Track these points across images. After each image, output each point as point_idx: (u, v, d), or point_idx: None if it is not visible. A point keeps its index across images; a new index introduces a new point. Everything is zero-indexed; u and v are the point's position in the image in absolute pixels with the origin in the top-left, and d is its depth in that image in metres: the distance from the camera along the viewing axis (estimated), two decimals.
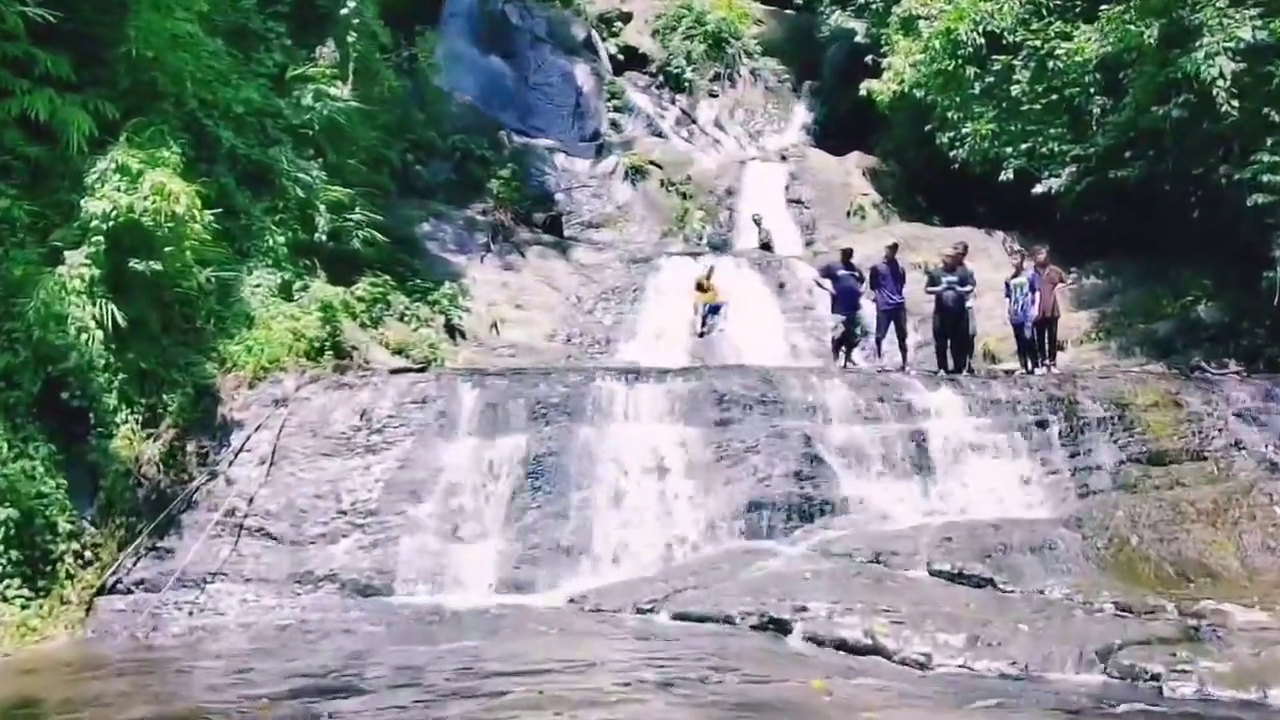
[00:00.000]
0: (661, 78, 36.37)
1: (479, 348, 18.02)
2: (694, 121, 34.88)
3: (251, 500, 11.89)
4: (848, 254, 15.89)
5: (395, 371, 13.70)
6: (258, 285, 15.44)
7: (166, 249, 12.68)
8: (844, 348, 15.64)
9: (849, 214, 26.76)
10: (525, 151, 27.45)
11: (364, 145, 19.67)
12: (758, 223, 24.21)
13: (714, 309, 19.34)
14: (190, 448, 12.32)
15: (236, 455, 12.28)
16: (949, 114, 22.69)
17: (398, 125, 23.05)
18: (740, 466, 12.72)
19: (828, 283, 15.75)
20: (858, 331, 15.63)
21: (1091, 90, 20.33)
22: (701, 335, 18.98)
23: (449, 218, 21.85)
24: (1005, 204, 22.61)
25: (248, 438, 12.44)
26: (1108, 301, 19.94)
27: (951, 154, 22.62)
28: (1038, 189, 20.91)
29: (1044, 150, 21.19)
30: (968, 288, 15.19)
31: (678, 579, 10.92)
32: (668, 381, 13.69)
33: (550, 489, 12.26)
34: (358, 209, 17.71)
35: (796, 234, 25.95)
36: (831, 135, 32.63)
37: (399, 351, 16.84)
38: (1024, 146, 21.41)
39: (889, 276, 15.31)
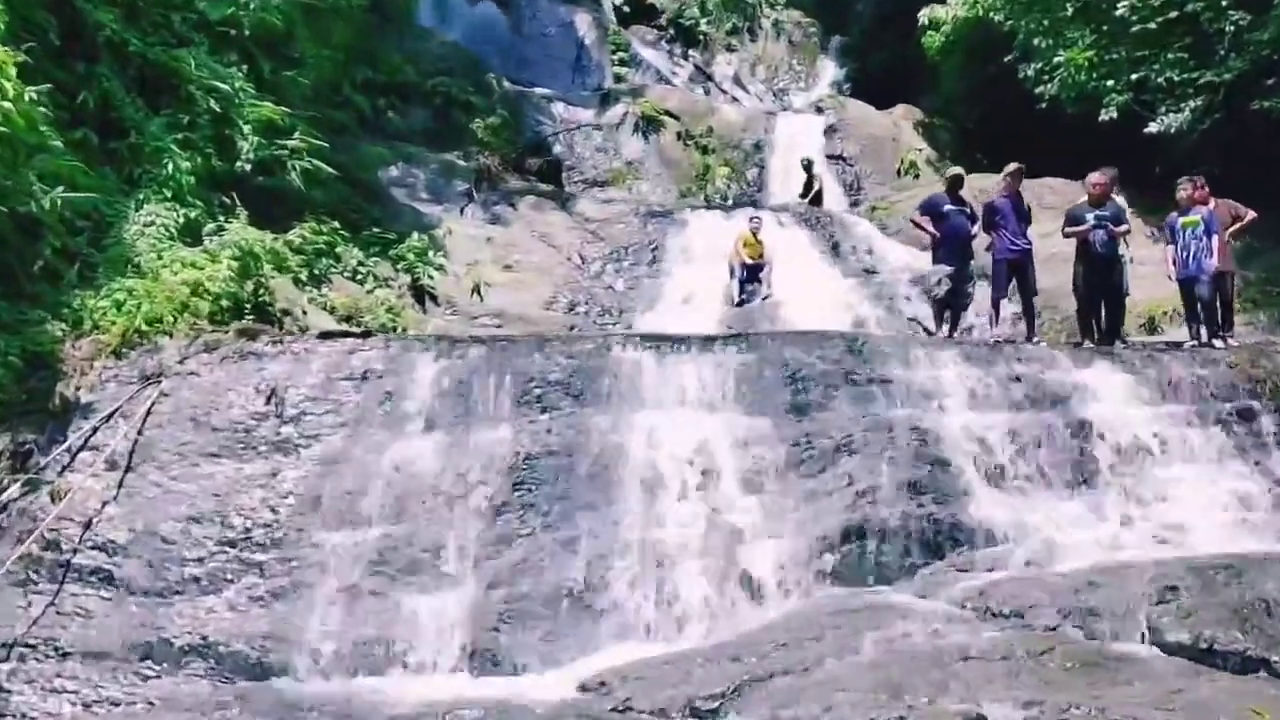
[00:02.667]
0: (672, 31, 32.31)
1: (454, 315, 13.89)
2: (710, 79, 30.80)
3: (90, 524, 7.75)
4: (956, 183, 11.73)
5: (326, 336, 9.55)
6: (149, 223, 11.29)
7: None
8: (949, 310, 11.50)
9: (899, 171, 22.73)
10: (518, 98, 23.31)
11: (310, 62, 15.49)
12: (808, 168, 20.06)
13: (752, 271, 15.20)
14: (3, 441, 8.17)
15: (74, 455, 8.14)
16: (1035, 41, 18.57)
17: (362, 53, 18.88)
18: (829, 474, 8.63)
19: (927, 222, 11.58)
20: (969, 288, 11.48)
21: (1223, 2, 16.21)
22: (740, 304, 14.84)
23: (422, 161, 17.67)
24: (1082, 154, 18.54)
25: (94, 430, 8.29)
26: (1247, 266, 15.80)
27: (1039, 90, 18.48)
28: (1151, 128, 16.85)
29: (1158, 81, 17.09)
30: (1123, 227, 11.06)
31: (752, 655, 6.79)
32: (716, 351, 9.59)
33: (548, 507, 8.15)
34: (298, 134, 13.54)
35: (839, 194, 21.85)
36: (864, 94, 28.62)
37: (348, 318, 12.67)
38: (1132, 77, 17.30)
39: (1010, 214, 11.18)
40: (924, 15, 21.60)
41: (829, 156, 22.44)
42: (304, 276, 12.70)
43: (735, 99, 29.73)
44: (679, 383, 9.13)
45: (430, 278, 14.11)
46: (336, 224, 13.61)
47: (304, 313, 12.20)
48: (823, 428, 8.96)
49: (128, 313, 9.66)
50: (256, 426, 8.45)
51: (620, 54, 30.06)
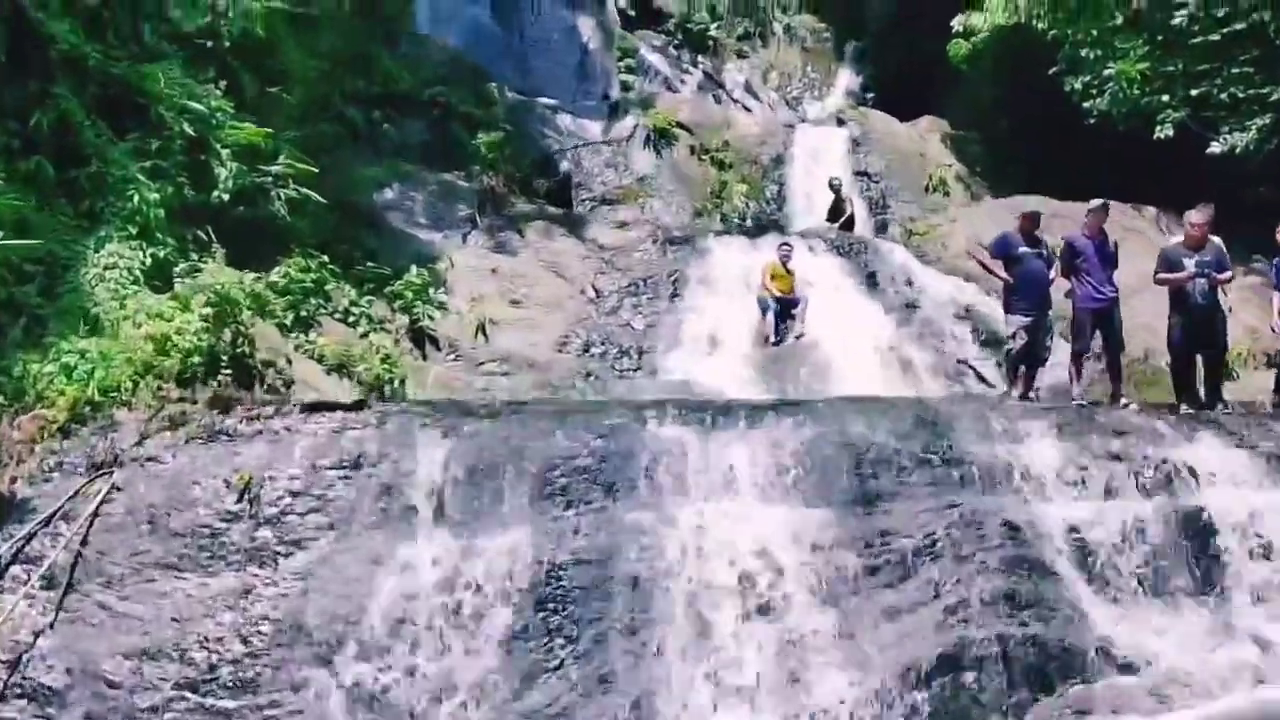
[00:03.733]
0: (680, 36, 30.86)
1: (457, 361, 12.45)
2: (721, 86, 29.29)
3: (19, 664, 6.32)
4: (1031, 221, 10.30)
5: (310, 409, 8.10)
6: (110, 265, 9.89)
7: None
8: (1024, 367, 10.09)
9: (928, 188, 21.27)
10: (522, 110, 21.82)
11: (299, 76, 14.07)
12: (836, 189, 18.63)
13: (785, 306, 13.79)
14: None
15: (3, 571, 6.70)
16: (1082, 52, 17.18)
17: (353, 60, 17.44)
18: (911, 584, 7.24)
19: (999, 266, 10.17)
20: (1047, 342, 10.06)
21: None
22: (775, 344, 13.42)
23: (420, 182, 16.19)
24: (1126, 173, 17.17)
25: (29, 537, 6.85)
26: None
27: (1086, 104, 17.12)
28: (1214, 148, 15.51)
29: (1220, 97, 15.74)
30: (1225, 274, 9.67)
31: None
32: (767, 424, 8.18)
33: (578, 633, 6.76)
34: (282, 159, 12.10)
35: (864, 212, 20.40)
36: (881, 104, 27.23)
37: (339, 367, 11.25)
38: (1191, 93, 15.95)
39: (1094, 257, 9.78)
40: (958, 22, 20.19)
41: (854, 172, 20.99)
42: (289, 321, 11.28)
43: (747, 108, 28.30)
44: (727, 467, 7.72)
45: (430, 318, 12.68)
46: (326, 258, 12.17)
47: (289, 363, 10.77)
48: (899, 523, 7.56)
49: (79, 381, 8.24)
50: (226, 530, 7.03)
51: (627, 60, 28.66)
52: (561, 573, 6.93)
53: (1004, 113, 21.95)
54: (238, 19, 12.12)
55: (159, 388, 8.68)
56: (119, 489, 7.21)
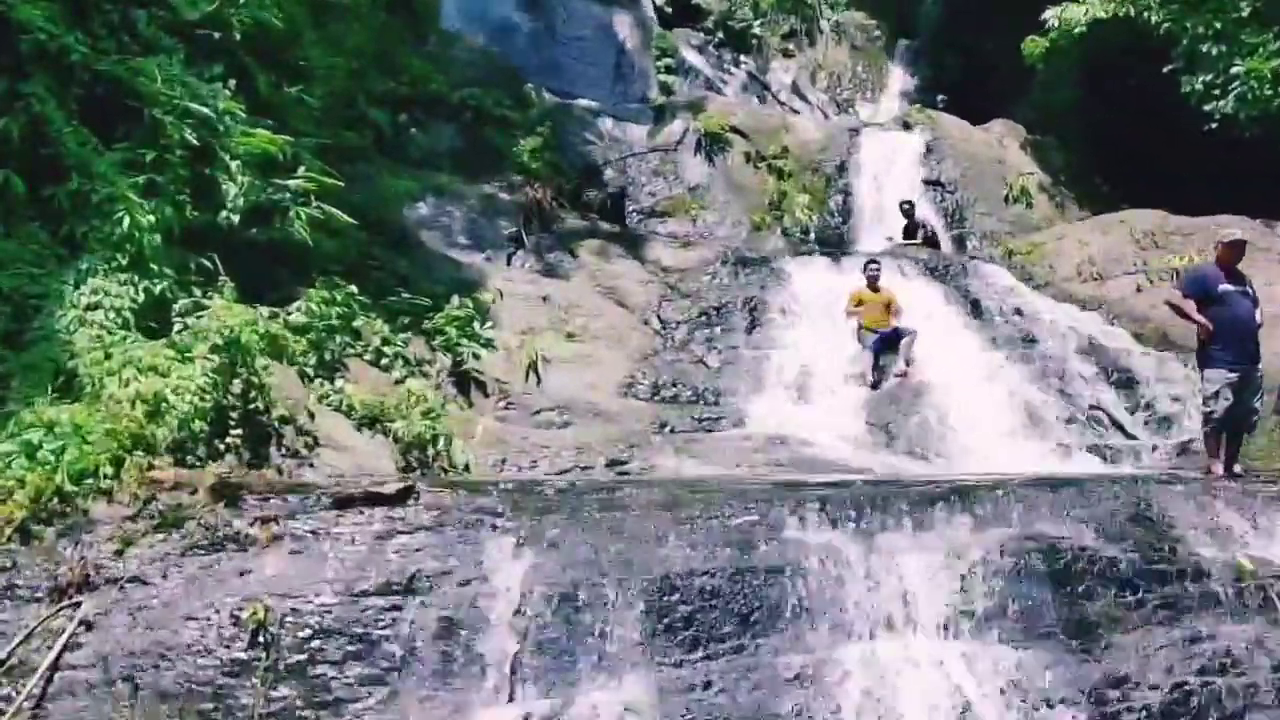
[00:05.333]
0: (721, 34, 28.95)
1: (508, 409, 10.51)
2: (766, 87, 27.42)
3: None
4: (1234, 252, 8.26)
5: (341, 504, 6.16)
6: (93, 305, 8.03)
7: None
8: (1225, 432, 8.08)
9: (1008, 199, 19.30)
10: (559, 113, 19.87)
11: (321, 74, 12.18)
12: (908, 213, 16.73)
13: (886, 341, 11.83)
14: None
15: None
16: (1202, 48, 15.19)
17: (381, 60, 15.58)
18: None
19: (1192, 307, 8.15)
20: (1256, 402, 8.05)
21: None
22: (875, 386, 11.44)
23: (458, 195, 14.28)
24: (1238, 183, 15.17)
25: None
26: None
27: (1207, 106, 15.11)
28: None
29: None
30: None
31: None
32: (937, 523, 6.24)
33: None
34: (302, 170, 10.21)
35: (939, 226, 18.44)
36: (938, 107, 25.32)
37: (371, 422, 9.35)
38: None
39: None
40: (1052, 15, 18.18)
41: (924, 182, 19.04)
42: (311, 364, 9.39)
43: (795, 110, 26.39)
44: (900, 589, 5.78)
45: (476, 358, 10.76)
46: (353, 288, 10.29)
47: (311, 418, 8.91)
48: (1133, 666, 5.63)
49: (44, 464, 6.34)
50: (234, 690, 5.12)
51: (665, 60, 26.79)
52: None
53: (1086, 116, 20.02)
54: (251, 6, 10.25)
55: (149, 466, 6.78)
56: (88, 625, 5.30)
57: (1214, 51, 15.02)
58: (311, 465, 8.50)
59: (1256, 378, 8.04)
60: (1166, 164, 16.47)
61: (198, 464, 7.35)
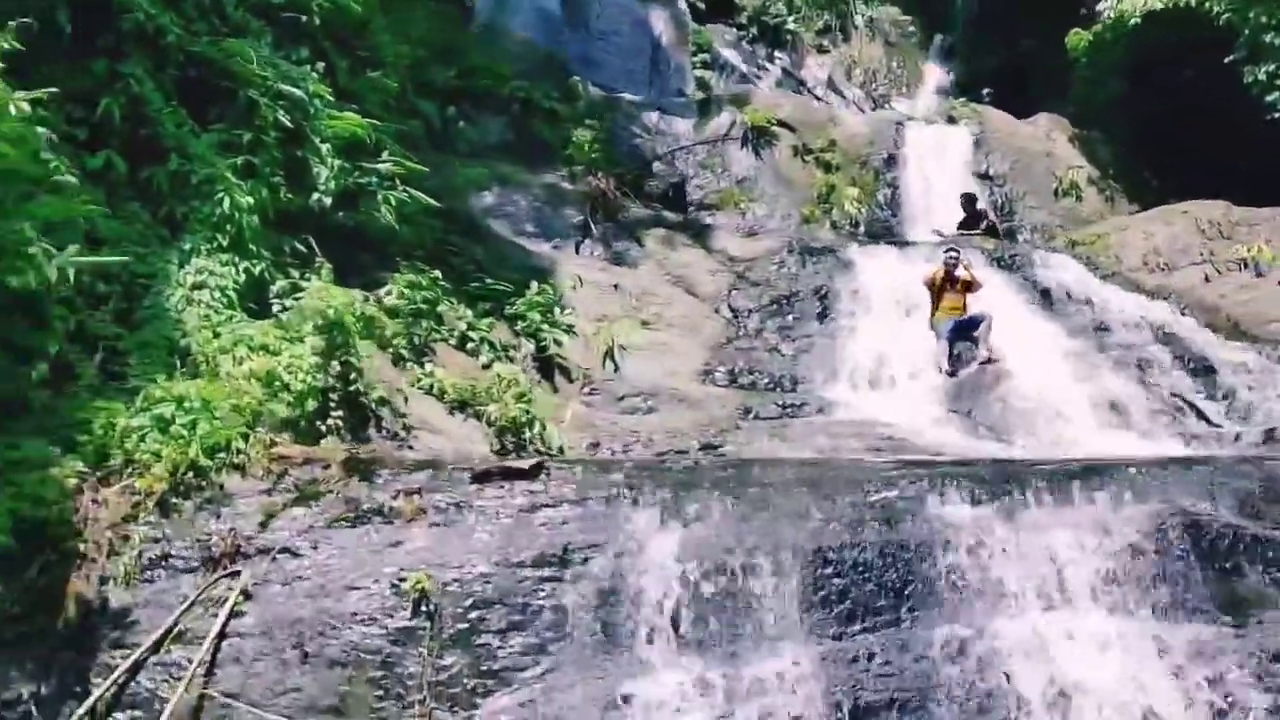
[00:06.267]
0: (755, 30, 28.90)
1: (593, 395, 10.48)
2: (801, 83, 27.34)
3: None
4: None
5: (478, 479, 6.12)
6: (199, 284, 8.01)
7: None
8: None
9: (1057, 192, 19.24)
10: (606, 106, 19.83)
11: (392, 62, 12.14)
12: (969, 204, 16.67)
13: (961, 328, 11.76)
14: None
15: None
16: (1265, 38, 15.13)
17: (443, 52, 15.56)
18: None
19: None
20: None
21: None
22: (953, 373, 11.39)
23: (522, 185, 14.26)
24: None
25: (134, 669, 4.91)
26: None
27: (1270, 97, 15.05)
28: None
29: None
30: None
31: None
32: (1076, 499, 6.18)
33: None
34: (385, 154, 10.19)
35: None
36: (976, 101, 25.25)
37: (461, 405, 9.31)
38: None
39: None
40: (1107, 6, 18.11)
41: (976, 175, 18.99)
42: (403, 349, 9.36)
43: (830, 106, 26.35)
44: (1050, 563, 5.72)
45: (558, 344, 10.72)
46: (437, 274, 10.25)
47: (405, 400, 8.87)
48: None
49: (177, 438, 6.30)
50: (401, 657, 5.08)
51: (701, 55, 26.75)
52: (871, 718, 4.95)
53: (1132, 109, 19.93)
54: None
55: (271, 443, 6.76)
56: (246, 595, 5.27)
57: (1277, 42, 14.94)
58: (410, 447, 8.45)
59: None
60: (1219, 156, 16.40)
61: (307, 443, 7.34)
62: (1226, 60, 15.55)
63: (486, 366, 9.94)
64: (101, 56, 8.35)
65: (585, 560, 5.50)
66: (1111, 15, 17.84)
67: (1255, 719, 5.24)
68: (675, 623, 5.33)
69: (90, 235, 7.50)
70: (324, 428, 7.88)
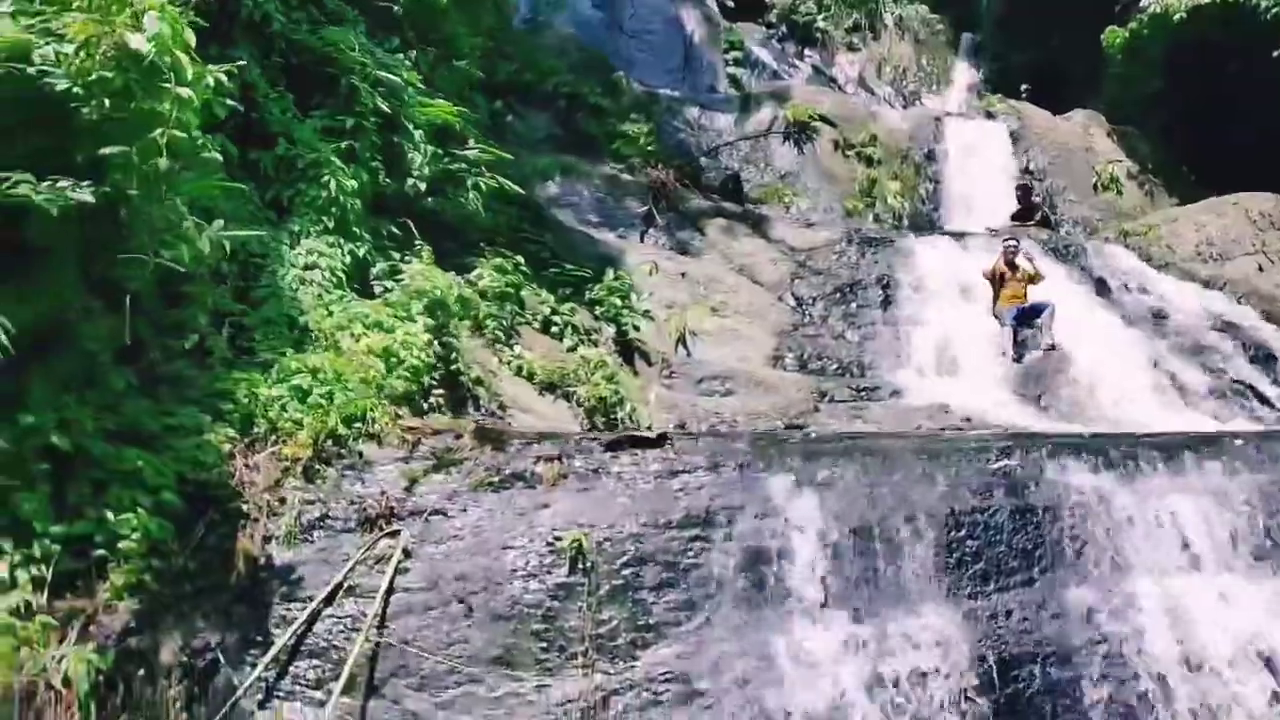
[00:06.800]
0: (784, 28, 29.13)
1: (672, 378, 10.70)
2: (832, 80, 27.55)
3: None
4: None
5: (611, 447, 6.33)
6: (310, 265, 8.22)
7: (127, 152, 5.42)
8: None
9: (1097, 187, 19.47)
10: (649, 102, 20.12)
11: (464, 53, 12.36)
12: (1024, 194, 16.89)
13: (1025, 315, 11.97)
14: (170, 646, 5.00)
15: (285, 668, 4.98)
16: None
17: (505, 45, 15.79)
18: None
19: None
20: None
21: None
22: (1018, 359, 11.61)
23: (584, 175, 14.51)
24: None
25: (311, 620, 5.13)
26: None
27: None
28: None
29: None
30: None
31: None
32: (1190, 468, 6.37)
33: None
34: (471, 142, 10.41)
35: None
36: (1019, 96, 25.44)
37: (550, 387, 9.54)
38: None
39: None
40: (1150, 4, 18.30)
41: (1019, 170, 19.21)
42: (495, 331, 9.57)
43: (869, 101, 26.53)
44: (1173, 527, 5.91)
45: (637, 329, 10.93)
46: (519, 258, 10.47)
47: (499, 381, 9.09)
48: None
49: (316, 406, 6.52)
50: (561, 611, 5.28)
51: (733, 53, 26.99)
52: (1017, 672, 5.15)
53: (1170, 104, 20.12)
54: None
55: (396, 415, 6.98)
56: (407, 553, 5.48)
57: None
58: (508, 425, 8.67)
59: None
60: (1260, 150, 16.59)
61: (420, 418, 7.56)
62: (1275, 54, 15.74)
63: (571, 350, 10.15)
64: (212, 43, 8.58)
65: (730, 523, 5.70)
66: (1157, 10, 17.95)
67: None
68: (820, 582, 5.52)
69: (208, 215, 7.73)
70: (426, 405, 8.12)
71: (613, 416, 9.30)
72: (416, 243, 9.08)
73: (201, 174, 6.86)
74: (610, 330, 10.74)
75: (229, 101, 6.44)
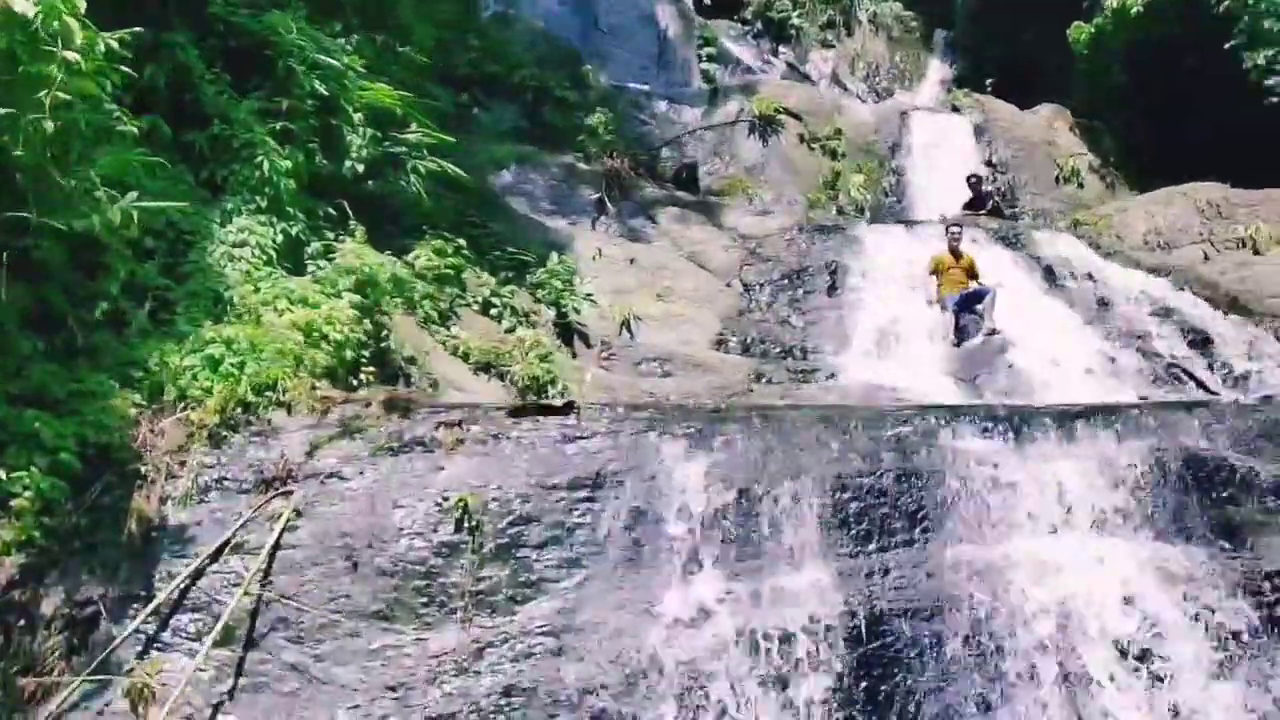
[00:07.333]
0: (760, 25, 29.28)
1: (611, 359, 10.85)
2: (806, 77, 27.66)
3: None
4: None
5: (515, 414, 6.49)
6: (239, 242, 8.34)
7: (13, 114, 5.55)
8: None
9: (1059, 180, 19.65)
10: (616, 95, 20.27)
11: (420, 43, 12.47)
12: (975, 185, 17.01)
13: (967, 301, 12.11)
14: (53, 599, 5.14)
15: (165, 621, 5.12)
16: (1264, 24, 15.49)
17: (462, 35, 15.93)
18: None
19: None
20: None
21: None
22: (958, 344, 11.75)
23: (540, 163, 14.65)
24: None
25: (195, 575, 5.27)
26: None
27: (1270, 82, 15.40)
28: None
29: None
30: None
31: None
32: (1082, 436, 6.53)
33: (914, 706, 5.10)
34: (414, 126, 10.55)
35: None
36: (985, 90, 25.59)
37: (485, 367, 9.68)
38: None
39: None
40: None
41: (981, 162, 19.35)
42: (430, 312, 9.71)
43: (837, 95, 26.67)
44: (1057, 491, 6.06)
45: (576, 311, 11.07)
46: (461, 242, 10.59)
47: (432, 360, 9.22)
48: None
49: (227, 375, 6.66)
50: (444, 569, 5.43)
51: (707, 49, 27.12)
52: (884, 627, 5.30)
53: (1133, 98, 20.27)
54: None
55: (313, 387, 7.11)
56: (298, 512, 5.62)
57: (1276, 28, 15.30)
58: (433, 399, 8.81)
59: None
60: (1219, 142, 16.73)
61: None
62: (1226, 47, 15.90)
63: (509, 331, 10.29)
64: (147, 25, 8.71)
65: (619, 483, 5.84)
66: (1118, 5, 18.13)
67: (1247, 629, 5.59)
68: (702, 542, 5.66)
69: (140, 193, 7.87)
70: (356, 382, 8.24)
71: (545, 395, 9.42)
72: (351, 223, 9.21)
73: (120, 148, 7.02)
74: (550, 313, 10.88)
75: (124, 69, 6.48)
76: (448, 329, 9.84)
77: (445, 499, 5.64)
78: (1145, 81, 19.37)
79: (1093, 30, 21.04)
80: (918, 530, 5.81)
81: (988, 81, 22.77)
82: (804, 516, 5.80)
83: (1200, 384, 11.54)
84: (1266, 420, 6.94)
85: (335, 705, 4.90)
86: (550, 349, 9.97)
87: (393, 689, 4.97)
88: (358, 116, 9.80)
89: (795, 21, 28.88)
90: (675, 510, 5.74)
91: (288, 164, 8.90)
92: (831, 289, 12.86)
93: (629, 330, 11.62)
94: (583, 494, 5.78)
